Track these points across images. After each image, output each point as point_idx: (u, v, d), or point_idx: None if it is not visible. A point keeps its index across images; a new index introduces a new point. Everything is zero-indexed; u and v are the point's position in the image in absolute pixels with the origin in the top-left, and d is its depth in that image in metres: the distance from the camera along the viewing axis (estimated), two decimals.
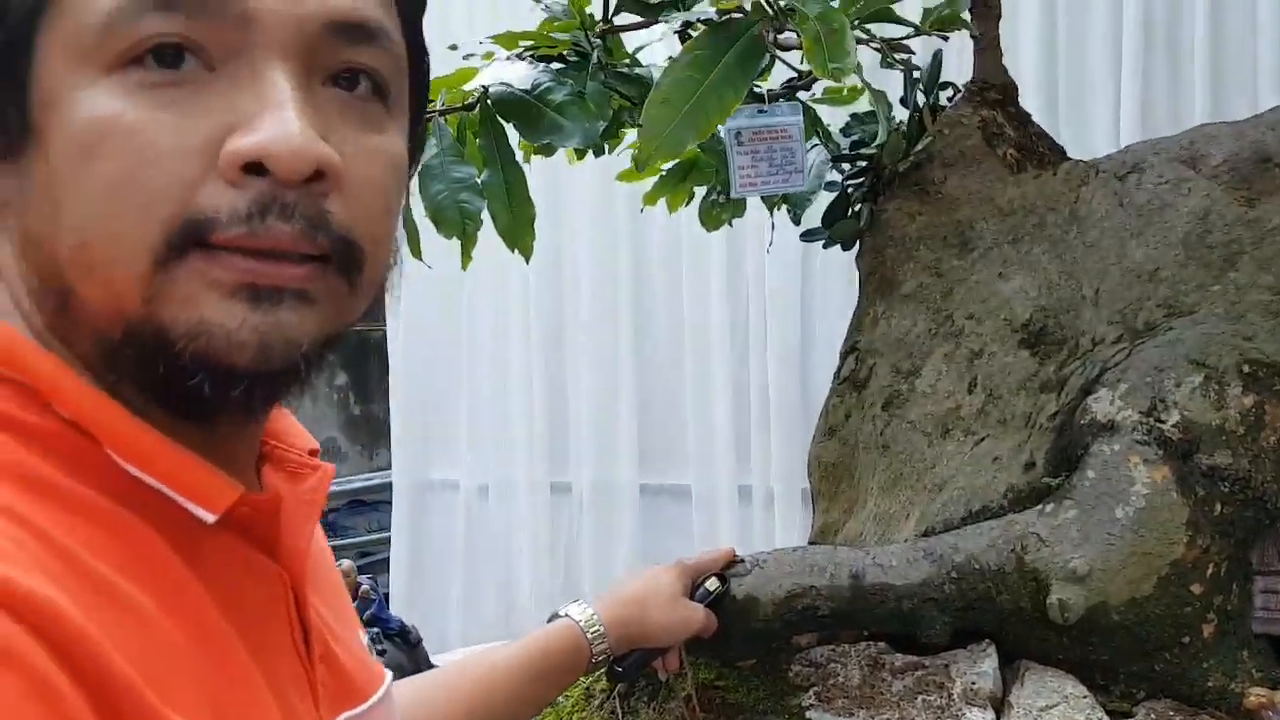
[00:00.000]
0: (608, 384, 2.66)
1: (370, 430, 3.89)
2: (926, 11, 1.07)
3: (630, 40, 1.37)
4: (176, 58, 0.48)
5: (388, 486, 3.09)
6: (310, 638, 0.57)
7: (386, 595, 2.38)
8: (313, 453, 0.62)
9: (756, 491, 2.56)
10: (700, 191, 1.60)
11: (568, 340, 2.74)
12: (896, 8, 1.01)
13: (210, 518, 0.51)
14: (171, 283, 0.48)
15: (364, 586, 1.76)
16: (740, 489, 2.57)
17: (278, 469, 0.59)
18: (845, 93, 1.48)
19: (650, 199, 1.62)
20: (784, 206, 1.52)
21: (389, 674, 0.67)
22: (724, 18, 0.88)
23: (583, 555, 2.75)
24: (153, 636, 0.46)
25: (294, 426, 0.62)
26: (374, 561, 3.22)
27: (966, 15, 1.03)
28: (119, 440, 0.49)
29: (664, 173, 1.55)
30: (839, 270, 2.43)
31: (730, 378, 2.56)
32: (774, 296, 2.50)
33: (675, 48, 1.40)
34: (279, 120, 0.47)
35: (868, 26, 1.01)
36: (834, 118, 1.47)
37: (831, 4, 0.87)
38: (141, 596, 0.46)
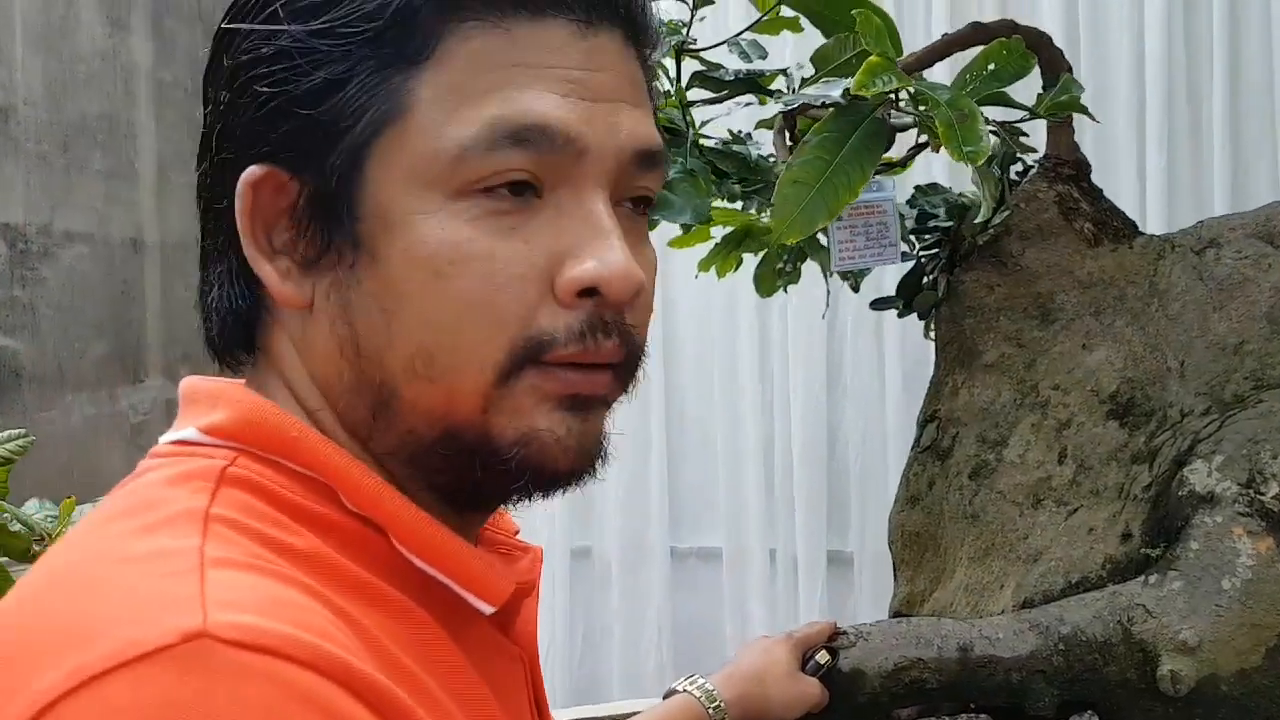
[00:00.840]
0: (638, 446, 2.67)
1: None
2: (1040, 95, 1.10)
3: (698, 114, 1.40)
4: (523, 188, 0.51)
5: None
6: (543, 714, 0.59)
7: None
8: (515, 534, 0.63)
9: (781, 555, 2.57)
10: (749, 258, 1.63)
11: None
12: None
13: (489, 610, 0.53)
14: (510, 395, 0.51)
15: None
16: (769, 552, 2.57)
17: (491, 550, 0.60)
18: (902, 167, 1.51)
19: (704, 265, 1.64)
20: (840, 275, 1.54)
21: None
22: (849, 100, 0.91)
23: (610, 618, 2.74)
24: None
25: (501, 510, 0.63)
26: None
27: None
28: (409, 534, 0.51)
29: (718, 241, 1.57)
30: (867, 335, 2.46)
31: (759, 438, 2.57)
32: (799, 357, 2.53)
33: (741, 123, 1.44)
34: (608, 249, 0.52)
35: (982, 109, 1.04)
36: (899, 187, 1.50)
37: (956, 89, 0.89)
38: (430, 682, 0.47)
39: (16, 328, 2.55)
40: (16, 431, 1.36)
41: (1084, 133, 2.28)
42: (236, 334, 0.56)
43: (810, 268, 1.58)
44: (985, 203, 1.07)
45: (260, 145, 0.53)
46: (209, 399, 0.54)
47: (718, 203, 1.27)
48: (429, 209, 0.50)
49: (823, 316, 1.76)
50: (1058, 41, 2.28)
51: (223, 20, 0.55)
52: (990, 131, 1.04)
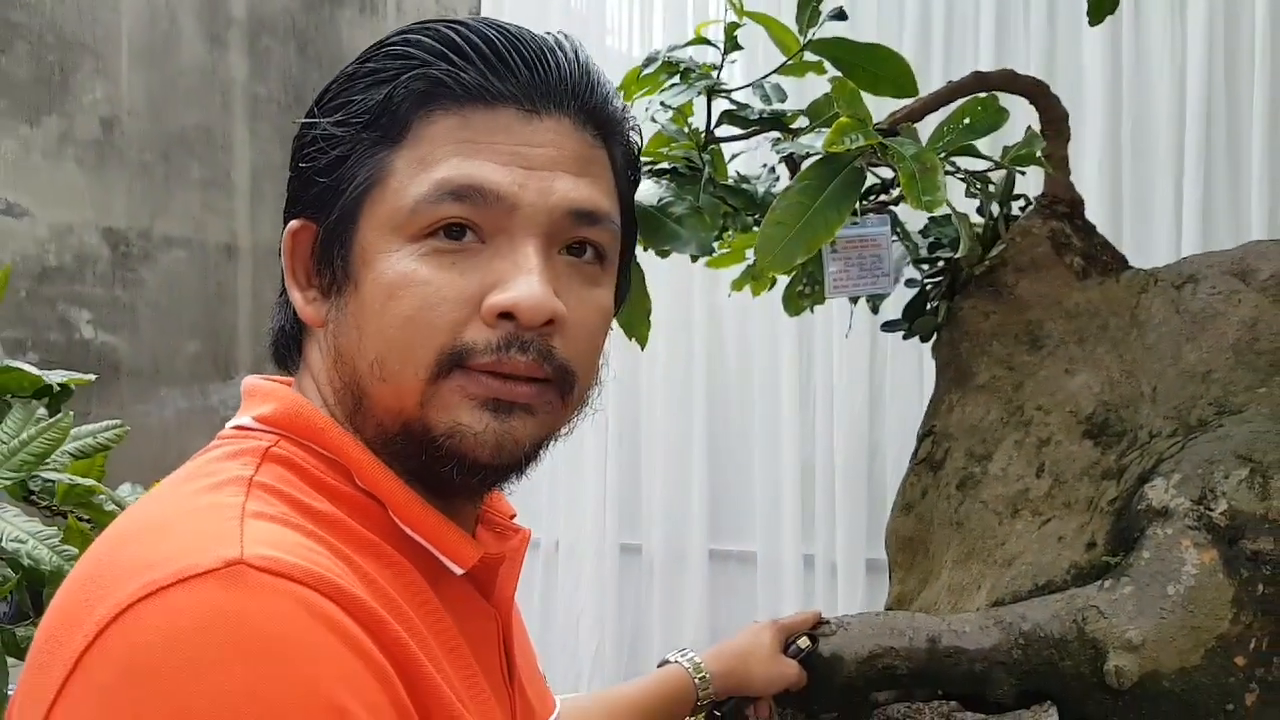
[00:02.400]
0: (680, 451, 2.80)
1: None
2: (1006, 148, 1.21)
3: (726, 148, 1.53)
4: (460, 232, 0.67)
5: None
6: (512, 668, 0.73)
7: None
8: (511, 517, 0.78)
9: (820, 561, 2.68)
10: (781, 279, 1.75)
11: (643, 416, 2.90)
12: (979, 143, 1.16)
13: (459, 571, 0.68)
14: (438, 393, 0.66)
15: None
16: (805, 558, 2.68)
17: (488, 529, 0.77)
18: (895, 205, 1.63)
19: (737, 285, 1.78)
20: (865, 297, 1.66)
21: (559, 702, 0.82)
22: (830, 151, 1.03)
23: (653, 616, 2.87)
24: (425, 647, 0.61)
25: (499, 495, 0.78)
26: None
27: (1039, 152, 1.17)
28: (399, 507, 0.67)
29: (750, 263, 1.71)
30: (909, 352, 2.56)
31: (798, 450, 2.68)
32: (843, 374, 2.64)
33: (768, 155, 1.57)
34: (527, 283, 0.66)
35: (954, 159, 1.16)
36: (912, 217, 1.62)
37: (920, 144, 1.01)
38: (415, 619, 0.62)
39: (117, 326, 2.77)
40: (113, 421, 1.54)
41: (1123, 166, 2.38)
42: (286, 345, 0.74)
43: None
44: (964, 240, 1.19)
45: (299, 204, 0.71)
46: (262, 395, 0.71)
47: (730, 233, 1.40)
48: (393, 249, 0.67)
49: (845, 335, 1.87)
50: (1100, 80, 2.38)
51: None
52: (973, 177, 1.16)
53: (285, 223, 0.72)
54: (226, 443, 0.68)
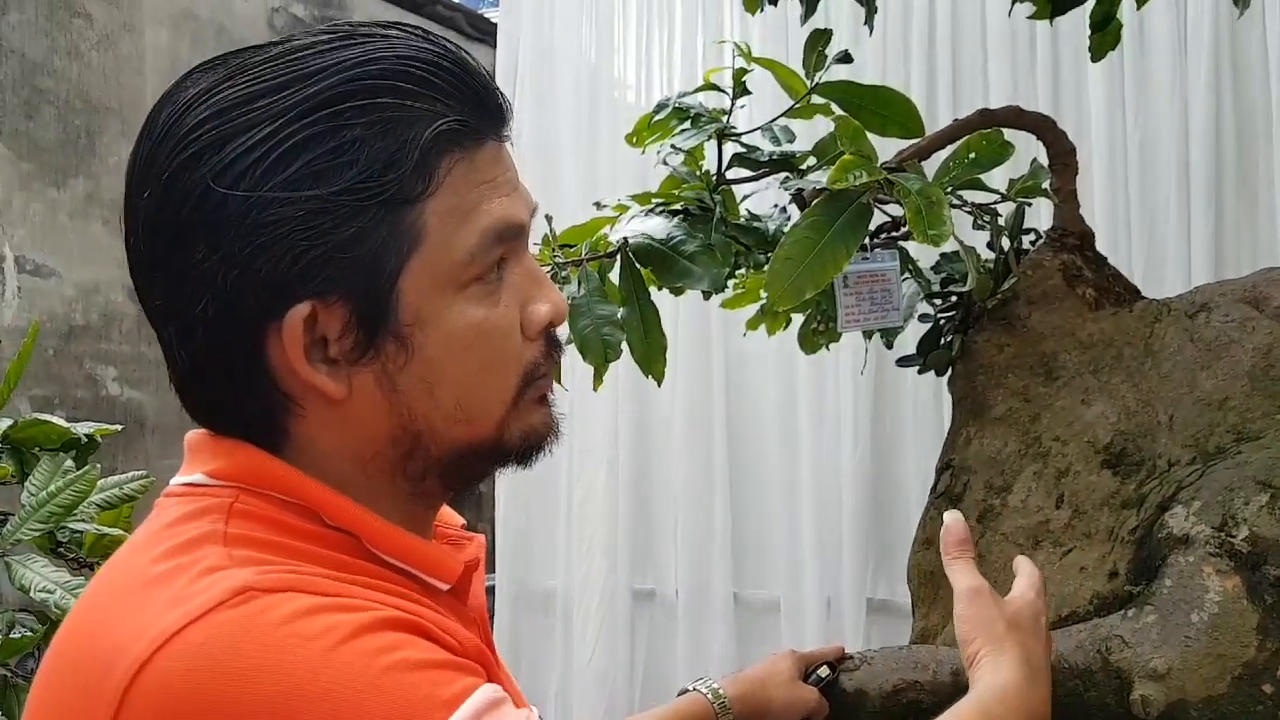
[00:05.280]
0: (701, 495, 2.80)
1: None
2: (1012, 181, 1.23)
3: (738, 190, 1.55)
4: (497, 268, 0.70)
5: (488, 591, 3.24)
6: (501, 675, 0.74)
7: None
8: (462, 527, 0.81)
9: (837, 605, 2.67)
10: (796, 318, 1.77)
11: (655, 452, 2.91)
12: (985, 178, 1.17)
13: (445, 587, 0.71)
14: (516, 414, 0.71)
15: None
16: (827, 601, 2.67)
17: (443, 540, 0.78)
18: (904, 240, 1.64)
19: (752, 325, 1.79)
20: (879, 333, 1.67)
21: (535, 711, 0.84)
22: (837, 187, 1.05)
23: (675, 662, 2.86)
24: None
25: (446, 509, 0.81)
26: None
27: (1046, 184, 1.18)
28: (375, 535, 0.68)
29: (764, 302, 1.72)
30: (926, 388, 2.56)
31: (815, 491, 2.68)
32: (863, 412, 2.64)
33: (779, 196, 1.59)
34: (552, 292, 0.73)
35: (960, 193, 1.17)
36: (924, 253, 1.63)
37: (926, 180, 1.03)
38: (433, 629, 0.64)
39: (142, 381, 2.81)
40: (139, 473, 1.57)
41: (1130, 199, 2.39)
42: (262, 426, 0.68)
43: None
44: (971, 274, 1.20)
45: (301, 285, 0.64)
46: (210, 450, 0.70)
47: (743, 272, 1.42)
48: (447, 303, 0.68)
49: (861, 372, 1.88)
50: (1104, 110, 2.39)
51: (216, 186, 0.63)
52: (979, 210, 1.17)
53: (225, 314, 0.65)
54: (180, 501, 0.67)
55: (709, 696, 1.12)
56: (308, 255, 0.64)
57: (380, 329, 0.66)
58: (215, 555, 0.61)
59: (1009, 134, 1.32)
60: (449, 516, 0.81)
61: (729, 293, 1.69)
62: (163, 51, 2.90)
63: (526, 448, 0.73)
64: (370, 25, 0.68)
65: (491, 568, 3.21)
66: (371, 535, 0.68)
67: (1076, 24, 1.95)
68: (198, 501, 0.66)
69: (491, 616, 3.20)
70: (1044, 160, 1.35)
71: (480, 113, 0.69)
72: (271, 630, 0.56)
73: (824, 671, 1.18)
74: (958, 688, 1.17)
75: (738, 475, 2.76)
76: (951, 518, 1.00)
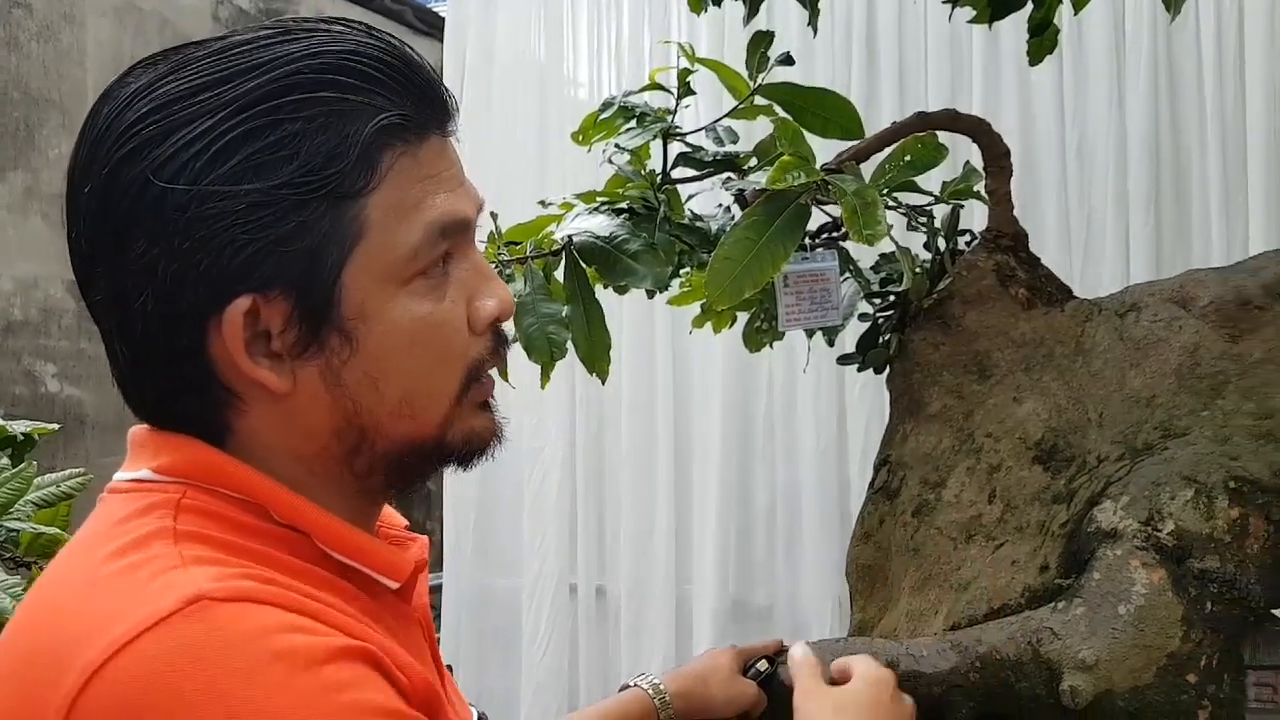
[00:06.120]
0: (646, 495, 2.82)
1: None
2: (945, 184, 1.25)
3: (684, 189, 1.57)
4: (442, 263, 0.70)
5: (433, 590, 3.24)
6: (441, 672, 0.75)
7: None
8: (405, 527, 0.82)
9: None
10: (742, 316, 1.79)
11: (608, 453, 2.92)
12: (920, 180, 1.19)
13: (395, 585, 0.71)
14: (459, 412, 0.72)
15: None
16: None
17: (386, 541, 0.78)
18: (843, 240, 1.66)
19: (698, 323, 1.81)
20: (821, 332, 1.70)
21: (475, 712, 0.85)
22: (776, 187, 1.07)
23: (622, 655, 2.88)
24: (391, 655, 0.63)
25: (389, 509, 0.81)
26: None
27: (979, 187, 1.21)
28: (325, 532, 0.68)
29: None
30: (876, 385, 2.60)
31: (769, 490, 2.70)
32: (810, 407, 2.67)
33: (724, 196, 1.61)
34: (499, 288, 0.73)
35: (896, 195, 1.20)
36: (866, 253, 1.66)
37: (863, 181, 1.05)
38: (374, 632, 0.64)
39: (82, 378, 2.77)
40: (76, 470, 1.55)
41: (1070, 198, 2.44)
42: (207, 421, 0.68)
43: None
44: (906, 274, 1.22)
45: (242, 280, 0.64)
46: (155, 445, 0.69)
47: (687, 270, 1.43)
48: (391, 296, 0.68)
49: (804, 370, 1.90)
50: (1043, 113, 2.44)
51: (156, 180, 0.63)
52: (914, 212, 1.20)
53: (165, 307, 0.65)
54: (126, 498, 0.67)
55: (650, 692, 1.13)
56: (248, 249, 0.64)
57: (323, 323, 0.67)
58: (166, 554, 0.61)
59: (946, 137, 1.35)
60: (392, 517, 0.81)
61: (676, 290, 1.71)
62: (104, 44, 2.86)
63: (468, 450, 0.73)
64: (314, 20, 0.69)
65: (439, 566, 3.20)
66: (322, 533, 0.68)
67: (1018, 26, 1.99)
68: (145, 498, 0.66)
69: (438, 615, 3.19)
70: (979, 163, 1.37)
71: (423, 108, 0.69)
72: (225, 650, 0.56)
73: (763, 665, 1.20)
74: None
75: (681, 475, 2.78)
76: (800, 652, 1.12)
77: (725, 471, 2.74)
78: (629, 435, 2.83)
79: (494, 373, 0.76)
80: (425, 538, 0.81)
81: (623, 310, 2.79)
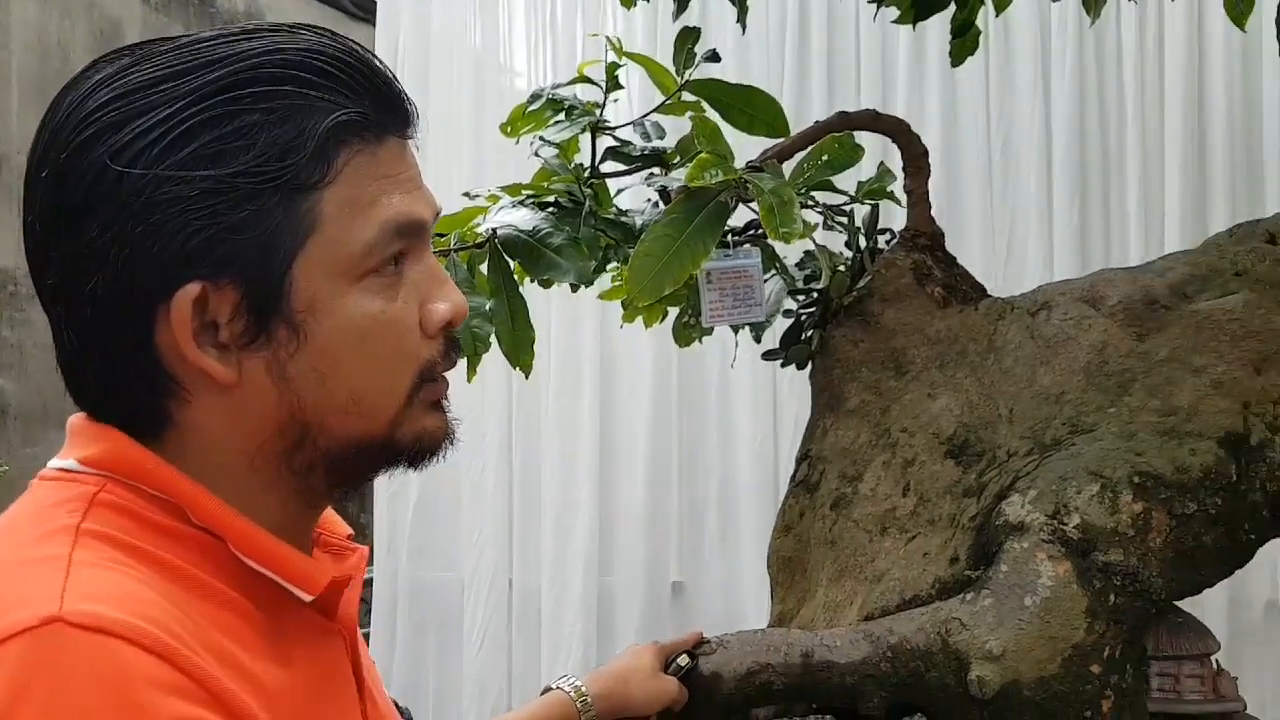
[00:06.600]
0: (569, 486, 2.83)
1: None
2: (860, 184, 1.28)
3: (612, 183, 1.58)
4: (396, 263, 0.70)
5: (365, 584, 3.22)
6: (362, 687, 0.75)
7: None
8: (349, 537, 0.80)
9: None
10: (673, 310, 1.80)
11: (539, 439, 2.92)
12: (837, 179, 1.22)
13: (309, 598, 0.69)
14: (410, 411, 0.71)
15: None
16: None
17: (324, 550, 0.77)
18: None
19: (629, 317, 1.82)
20: (748, 327, 1.72)
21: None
22: (694, 185, 1.08)
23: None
24: (258, 693, 0.62)
25: (333, 516, 0.80)
26: None
27: (893, 188, 1.23)
28: (241, 539, 0.67)
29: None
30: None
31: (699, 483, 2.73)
32: (745, 400, 2.71)
33: (651, 191, 1.62)
34: (454, 292, 0.73)
35: (814, 194, 1.22)
36: (792, 250, 1.68)
37: (782, 179, 1.07)
38: (251, 666, 0.63)
39: (4, 367, 2.71)
40: None
41: (995, 194, 2.49)
42: (148, 411, 0.68)
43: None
44: (825, 271, 1.25)
45: (192, 266, 0.65)
46: (85, 436, 0.69)
47: (614, 265, 1.45)
48: (343, 292, 0.68)
49: (731, 365, 1.92)
50: (972, 109, 2.48)
51: (114, 164, 0.64)
52: (831, 211, 1.22)
53: (113, 290, 0.65)
54: (50, 486, 0.67)
55: (571, 694, 1.14)
56: (200, 235, 0.64)
57: (272, 314, 0.67)
58: (56, 556, 0.60)
59: (872, 137, 1.38)
60: (335, 525, 0.80)
61: (606, 284, 1.72)
62: (29, 24, 2.79)
63: (419, 450, 0.73)
64: (280, 24, 0.70)
65: (371, 560, 3.19)
66: (236, 538, 0.67)
67: (945, 26, 2.02)
68: (66, 489, 0.66)
69: (369, 610, 3.15)
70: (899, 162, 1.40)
71: (383, 109, 0.70)
72: (60, 684, 0.55)
73: (683, 660, 1.21)
74: (807, 670, 1.22)
75: (608, 467, 2.80)
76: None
77: (656, 466, 2.76)
78: (559, 428, 2.83)
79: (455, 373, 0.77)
80: (364, 549, 0.79)
81: (551, 304, 2.80)
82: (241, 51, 0.67)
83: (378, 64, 0.71)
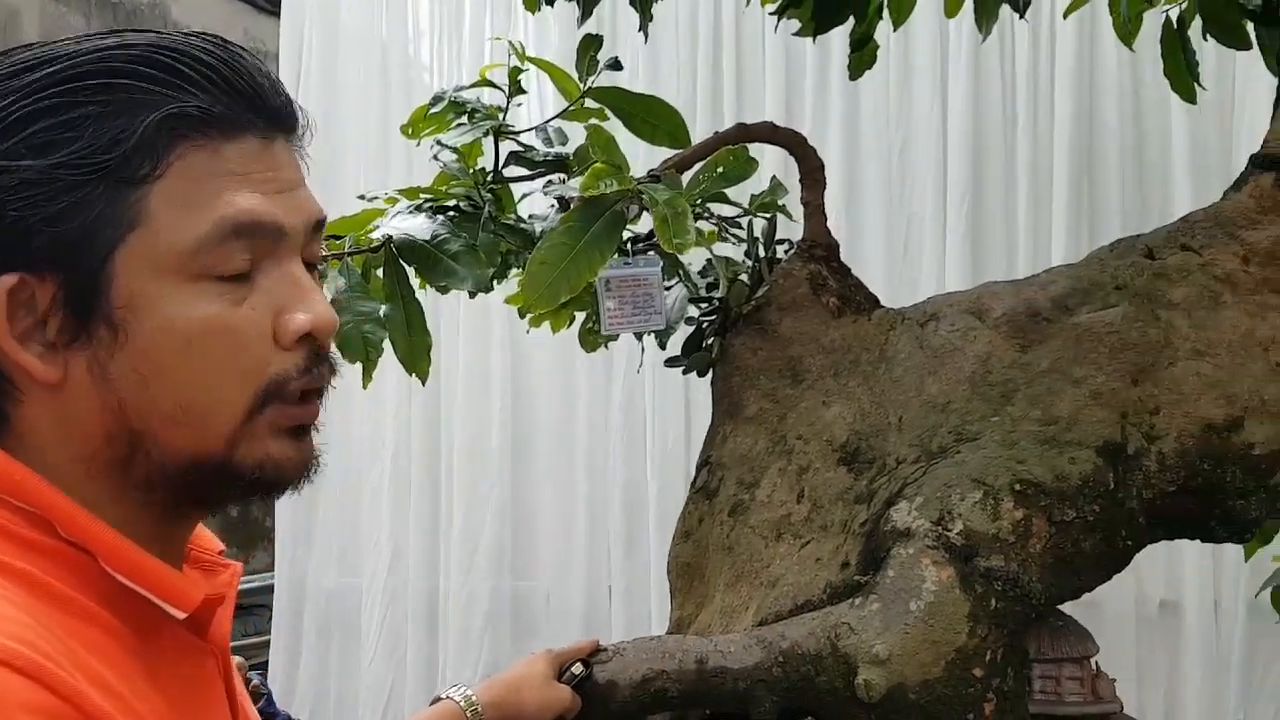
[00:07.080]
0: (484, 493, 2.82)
1: (247, 532, 3.92)
2: (753, 196, 1.30)
3: (517, 188, 1.58)
4: (243, 266, 0.67)
5: (266, 590, 3.15)
6: (235, 706, 0.74)
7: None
8: (220, 553, 0.78)
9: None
10: (580, 315, 1.81)
11: (444, 448, 2.90)
12: (732, 192, 1.24)
13: (181, 615, 0.68)
14: (252, 431, 0.68)
15: (254, 682, 1.86)
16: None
17: (194, 566, 0.76)
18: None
19: (535, 322, 1.82)
20: (652, 334, 1.73)
21: None
22: (589, 194, 1.09)
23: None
24: (126, 711, 0.61)
25: (205, 532, 0.78)
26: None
27: (783, 201, 1.26)
28: (111, 554, 0.66)
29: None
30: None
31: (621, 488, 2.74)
32: (657, 406, 2.73)
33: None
34: (315, 302, 0.70)
35: (709, 206, 1.23)
36: (695, 259, 1.70)
37: (679, 189, 1.08)
38: (120, 686, 0.61)
39: None
40: None
41: (893, 205, 2.54)
42: None
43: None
44: (722, 280, 1.26)
45: (15, 258, 0.64)
46: None
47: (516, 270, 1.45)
48: (169, 293, 0.66)
49: (638, 371, 1.94)
50: (873, 119, 2.53)
51: None
52: (725, 222, 1.24)
53: None
54: None
55: (461, 703, 1.14)
56: (17, 225, 0.64)
57: (91, 309, 0.65)
58: None
59: (771, 149, 1.40)
60: (207, 540, 0.78)
61: (512, 289, 1.71)
62: None
63: (261, 478, 0.68)
64: (151, 29, 0.69)
65: (271, 565, 3.13)
66: (107, 553, 0.65)
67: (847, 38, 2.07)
68: None
69: (270, 615, 3.09)
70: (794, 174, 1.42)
71: (240, 107, 0.68)
72: None
73: (577, 669, 1.22)
74: (701, 675, 1.23)
75: (520, 472, 2.79)
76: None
77: (562, 470, 2.76)
78: (463, 432, 2.82)
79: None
80: (238, 565, 0.77)
81: (460, 306, 2.78)
82: (89, 48, 0.66)
83: (246, 62, 0.69)
